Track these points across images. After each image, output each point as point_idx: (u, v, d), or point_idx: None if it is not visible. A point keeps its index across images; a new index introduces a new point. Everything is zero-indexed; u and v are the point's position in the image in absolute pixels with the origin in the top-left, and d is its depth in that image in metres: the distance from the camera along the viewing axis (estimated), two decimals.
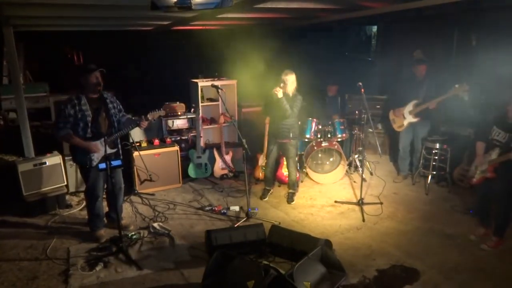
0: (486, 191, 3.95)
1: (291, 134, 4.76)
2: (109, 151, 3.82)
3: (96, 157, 3.84)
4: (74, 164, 4.06)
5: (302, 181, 5.69)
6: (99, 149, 3.83)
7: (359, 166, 6.01)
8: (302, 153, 5.87)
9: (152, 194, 5.28)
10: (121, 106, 4.11)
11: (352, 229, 4.33)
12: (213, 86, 4.70)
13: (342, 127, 5.73)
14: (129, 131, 4.01)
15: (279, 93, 4.48)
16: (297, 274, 2.96)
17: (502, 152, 3.69)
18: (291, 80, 4.57)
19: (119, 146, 4.08)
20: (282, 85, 4.54)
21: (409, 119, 5.36)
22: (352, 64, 8.67)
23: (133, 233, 4.13)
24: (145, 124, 3.94)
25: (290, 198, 5.05)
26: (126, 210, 4.78)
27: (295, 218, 4.62)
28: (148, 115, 3.93)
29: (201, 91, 5.99)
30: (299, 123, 5.74)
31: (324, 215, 4.71)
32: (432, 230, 4.27)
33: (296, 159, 5.48)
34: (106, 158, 3.61)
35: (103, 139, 3.82)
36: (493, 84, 5.52)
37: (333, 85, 6.20)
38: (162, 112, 4.03)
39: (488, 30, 5.72)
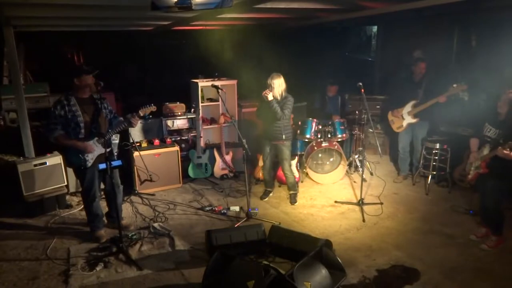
0: (484, 188, 3.95)
1: (283, 136, 4.74)
2: (103, 150, 3.80)
3: (91, 157, 3.83)
4: (70, 166, 4.03)
5: (302, 181, 5.69)
6: (93, 149, 3.83)
7: (359, 166, 6.01)
8: (302, 153, 5.87)
9: (152, 194, 5.29)
10: (111, 107, 4.11)
11: (352, 229, 4.34)
12: (213, 86, 4.69)
13: (342, 127, 5.73)
14: (121, 129, 3.98)
15: (269, 96, 4.50)
16: (297, 274, 2.95)
17: (492, 148, 3.75)
18: (277, 84, 4.57)
19: (112, 145, 4.08)
20: (270, 88, 4.56)
21: (408, 119, 5.36)
22: (352, 64, 8.69)
23: (133, 233, 4.14)
24: (137, 121, 3.91)
25: (292, 200, 5.04)
26: (126, 210, 4.78)
27: (295, 218, 4.62)
28: (140, 111, 3.90)
29: (201, 91, 6.00)
30: (299, 123, 5.77)
31: (324, 215, 4.72)
32: (432, 230, 4.27)
33: (296, 159, 5.50)
34: (106, 158, 3.61)
35: (95, 139, 3.83)
36: (493, 84, 5.52)
37: (333, 85, 6.20)
38: (153, 108, 4.00)
39: (488, 30, 5.72)
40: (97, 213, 4.09)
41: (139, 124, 5.74)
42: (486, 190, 3.88)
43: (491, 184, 3.80)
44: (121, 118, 4.09)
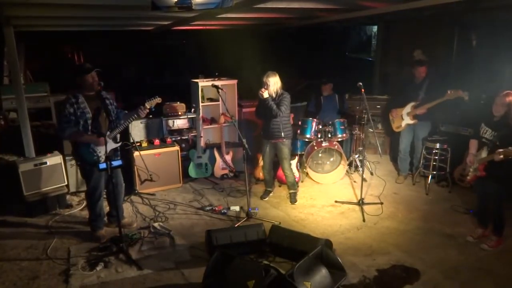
0: (482, 190, 3.95)
1: (282, 134, 4.74)
2: (114, 145, 3.91)
3: (103, 153, 3.85)
4: (78, 164, 4.04)
5: (302, 181, 5.69)
6: (104, 142, 3.85)
7: (359, 166, 6.01)
8: (302, 153, 5.87)
9: (153, 194, 5.29)
10: (114, 102, 4.14)
11: (353, 229, 4.34)
12: (213, 86, 4.70)
13: (343, 127, 5.72)
14: (130, 122, 4.04)
15: (265, 94, 4.52)
16: (297, 274, 2.96)
17: (490, 150, 3.69)
18: (272, 82, 4.59)
19: (118, 144, 4.10)
20: (266, 86, 4.57)
21: (407, 120, 5.35)
22: (352, 64, 8.69)
23: (133, 233, 4.14)
24: (144, 113, 3.97)
25: (292, 199, 5.04)
26: (127, 210, 4.78)
27: (295, 218, 4.63)
28: (146, 104, 3.95)
29: (202, 91, 6.00)
30: (299, 123, 5.77)
31: (324, 215, 4.72)
32: (432, 230, 4.28)
33: (296, 159, 5.50)
34: (106, 158, 3.62)
35: (107, 133, 3.86)
36: (493, 84, 5.53)
37: (326, 83, 6.11)
38: (158, 100, 4.04)
39: (488, 30, 5.73)
40: (100, 213, 4.10)
41: (139, 124, 5.76)
42: (487, 194, 3.86)
43: (491, 189, 3.76)
44: (126, 112, 4.14)
